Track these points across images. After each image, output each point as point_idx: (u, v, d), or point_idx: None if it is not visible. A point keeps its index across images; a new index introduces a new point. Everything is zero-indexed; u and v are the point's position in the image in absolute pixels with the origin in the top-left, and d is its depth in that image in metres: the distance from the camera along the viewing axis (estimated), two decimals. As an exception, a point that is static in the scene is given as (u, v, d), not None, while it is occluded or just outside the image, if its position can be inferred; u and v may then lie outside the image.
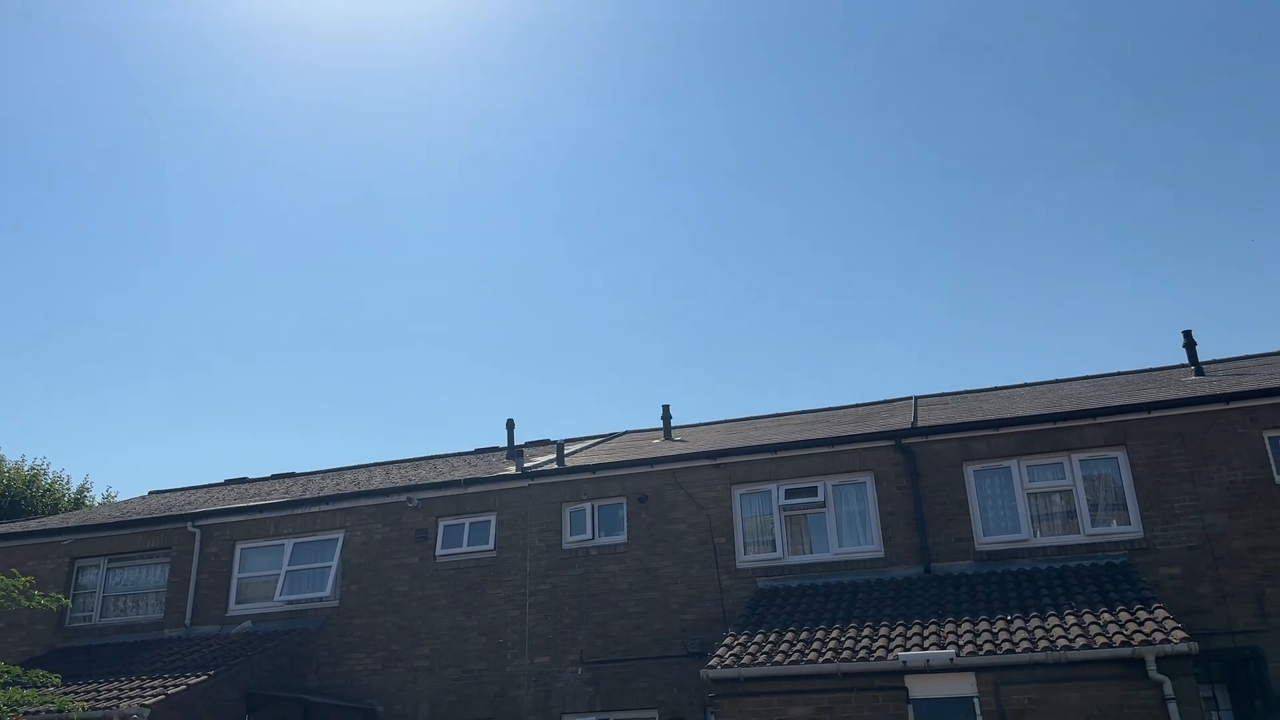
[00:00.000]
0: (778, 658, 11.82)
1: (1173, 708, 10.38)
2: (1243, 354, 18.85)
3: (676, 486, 15.75)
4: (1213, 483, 13.65)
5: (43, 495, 30.33)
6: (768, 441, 16.07)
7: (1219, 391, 14.23)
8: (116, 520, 18.54)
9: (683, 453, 16.23)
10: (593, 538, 15.87)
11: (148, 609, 17.73)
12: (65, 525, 18.96)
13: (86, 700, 13.15)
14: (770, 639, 12.48)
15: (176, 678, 14.13)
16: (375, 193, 66.69)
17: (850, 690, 11.40)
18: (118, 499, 31.58)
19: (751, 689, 11.73)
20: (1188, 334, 17.75)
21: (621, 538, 15.77)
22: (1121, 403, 14.58)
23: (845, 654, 11.65)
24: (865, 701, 11.34)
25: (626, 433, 22.21)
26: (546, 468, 16.76)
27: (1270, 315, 50.39)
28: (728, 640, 12.74)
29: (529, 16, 66.86)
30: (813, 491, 15.13)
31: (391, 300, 65.10)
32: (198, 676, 14.09)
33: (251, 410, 63.27)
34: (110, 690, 13.94)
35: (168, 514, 18.38)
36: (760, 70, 67.63)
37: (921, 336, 60.20)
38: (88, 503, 31.30)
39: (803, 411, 21.11)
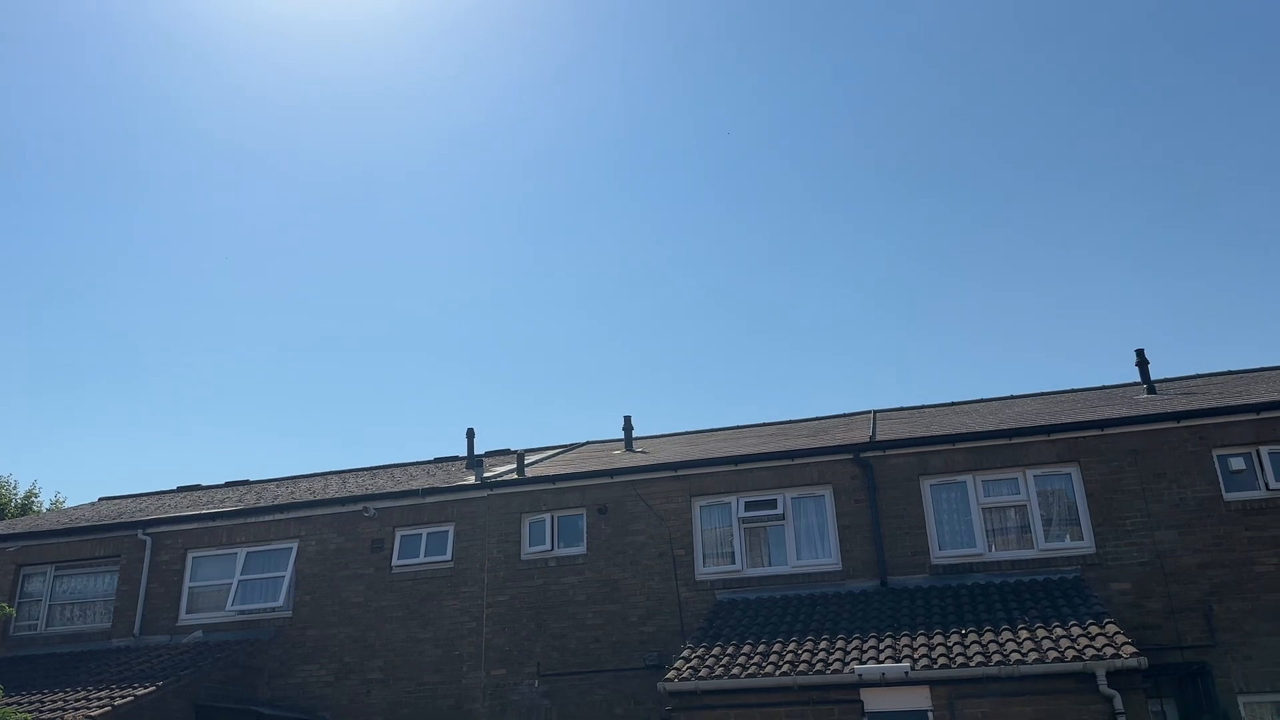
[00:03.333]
0: (735, 670, 11.83)
1: (1122, 721, 10.53)
2: (1194, 373, 19.22)
3: (637, 498, 15.74)
4: (1163, 500, 13.89)
5: (-12, 500, 29.67)
6: (728, 454, 16.12)
7: (1170, 410, 14.50)
8: (64, 527, 18.17)
9: (643, 464, 16.22)
10: (552, 549, 15.80)
11: (95, 618, 17.38)
12: (11, 531, 18.54)
13: (30, 711, 12.86)
14: (728, 652, 12.48)
15: (124, 688, 13.86)
16: (336, 199, 66.18)
17: (806, 703, 11.44)
18: (66, 505, 30.99)
19: (708, 702, 11.72)
20: (1140, 352, 18.06)
21: (581, 549, 15.72)
22: (1075, 420, 14.80)
23: (802, 667, 11.69)
24: (821, 714, 11.38)
25: (587, 443, 22.16)
26: (506, 478, 16.67)
27: (1221, 334, 51.50)
28: (685, 653, 12.73)
29: (492, 22, 66.83)
30: (772, 504, 15.19)
31: (351, 306, 64.58)
32: (146, 687, 13.82)
33: (205, 417, 62.37)
34: (55, 701, 13.63)
35: (118, 521, 18.06)
36: (726, 83, 68.08)
37: (880, 351, 60.80)
38: (35, 508, 30.67)
39: (763, 424, 21.19)
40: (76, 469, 57.04)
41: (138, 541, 17.45)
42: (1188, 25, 58.78)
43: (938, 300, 59.12)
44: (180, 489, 22.70)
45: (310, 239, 66.33)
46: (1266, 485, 13.66)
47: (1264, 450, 13.83)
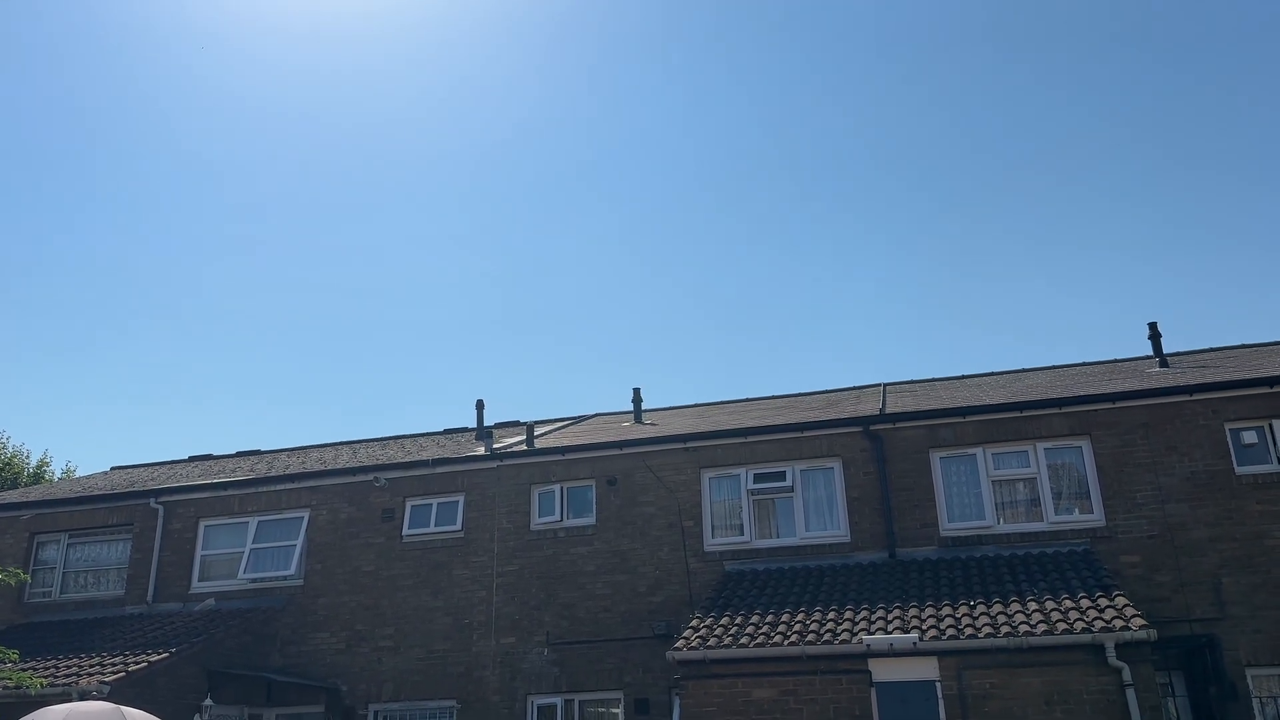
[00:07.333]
0: (743, 640, 11.88)
1: (1130, 694, 10.54)
2: (1206, 347, 19.11)
3: (646, 469, 15.76)
4: (1174, 473, 13.84)
5: (1, 469, 29.88)
6: (737, 426, 16.11)
7: (1182, 383, 14.41)
8: (78, 495, 18.30)
9: (653, 436, 16.23)
10: (561, 519, 15.85)
11: (109, 585, 17.53)
12: (25, 500, 18.68)
13: (45, 677, 12.98)
14: (736, 621, 12.53)
15: (137, 655, 13.99)
16: (343, 172, 66.03)
17: (814, 673, 11.48)
18: (78, 474, 31.19)
19: (717, 671, 11.78)
20: (1153, 326, 17.94)
21: (590, 520, 15.76)
22: (1087, 393, 14.74)
23: (810, 637, 11.73)
24: (829, 684, 11.42)
25: (597, 415, 22.18)
26: (516, 449, 16.70)
27: (1235, 308, 51.18)
28: (694, 622, 12.78)
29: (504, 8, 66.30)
30: (781, 476, 15.19)
31: (362, 278, 64.60)
32: (159, 654, 13.95)
33: (217, 387, 62.62)
34: (70, 667, 13.77)
35: (130, 490, 18.17)
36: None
37: (891, 324, 60.61)
38: (47, 477, 30.87)
39: (772, 397, 21.17)
40: (88, 439, 57.41)
41: (150, 510, 17.56)
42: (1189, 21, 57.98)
43: (948, 276, 58.84)
44: (192, 458, 22.81)
45: (321, 210, 66.27)
46: (1278, 459, 13.61)
47: (1277, 424, 13.76)
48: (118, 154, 66.61)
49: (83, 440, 56.83)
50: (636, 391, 20.01)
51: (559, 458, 16.18)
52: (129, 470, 22.62)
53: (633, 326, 64.87)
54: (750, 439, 15.51)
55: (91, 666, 13.64)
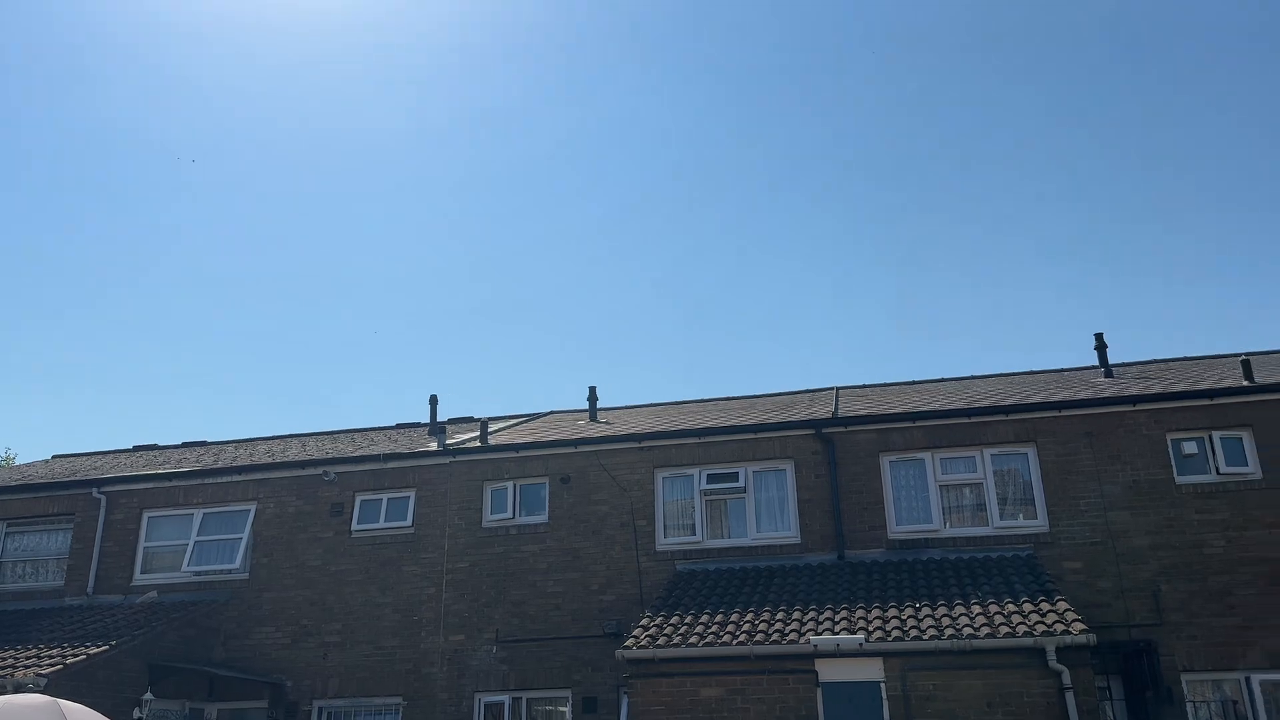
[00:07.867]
0: (692, 639, 11.93)
1: (1069, 697, 10.75)
2: (1150, 358, 19.54)
3: (600, 468, 15.77)
4: (1117, 481, 14.14)
5: (-62, 456, 29.14)
6: (692, 426, 16.18)
7: (1126, 394, 14.74)
8: (17, 484, 17.91)
9: (607, 435, 16.23)
10: (513, 517, 15.81)
11: (48, 576, 17.18)
12: (-38, 487, 18.21)
13: (-21, 668, 12.70)
14: (686, 621, 12.59)
15: (76, 647, 13.72)
16: (296, 164, 65.25)
17: (762, 672, 11.58)
18: (18, 462, 30.50)
19: (666, 670, 11.82)
20: (1099, 336, 18.34)
21: (543, 518, 15.74)
22: (1033, 400, 15.01)
23: (759, 637, 11.81)
24: (776, 684, 11.52)
25: (551, 413, 22.14)
26: (469, 445, 16.62)
27: (1178, 321, 52.37)
28: (644, 621, 12.82)
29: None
30: (734, 477, 15.29)
31: (315, 270, 63.87)
32: (99, 646, 13.70)
33: (163, 377, 61.53)
34: (5, 659, 13.48)
35: (72, 479, 17.83)
36: (701, 71, 67.74)
37: (846, 332, 61.16)
38: (-14, 465, 30.15)
39: (727, 398, 21.28)
40: (29, 426, 56.15)
41: (92, 500, 17.23)
42: (1143, 31, 59.21)
43: (902, 284, 59.52)
44: (136, 448, 22.41)
45: (273, 201, 65.40)
46: (1218, 470, 13.95)
47: (1216, 435, 14.09)
48: (66, 137, 65.24)
49: (24, 428, 55.60)
50: (592, 390, 20.01)
51: (512, 455, 16.14)
52: (71, 459, 22.18)
53: (590, 324, 64.87)
54: (704, 439, 15.59)
55: (28, 658, 13.36)
